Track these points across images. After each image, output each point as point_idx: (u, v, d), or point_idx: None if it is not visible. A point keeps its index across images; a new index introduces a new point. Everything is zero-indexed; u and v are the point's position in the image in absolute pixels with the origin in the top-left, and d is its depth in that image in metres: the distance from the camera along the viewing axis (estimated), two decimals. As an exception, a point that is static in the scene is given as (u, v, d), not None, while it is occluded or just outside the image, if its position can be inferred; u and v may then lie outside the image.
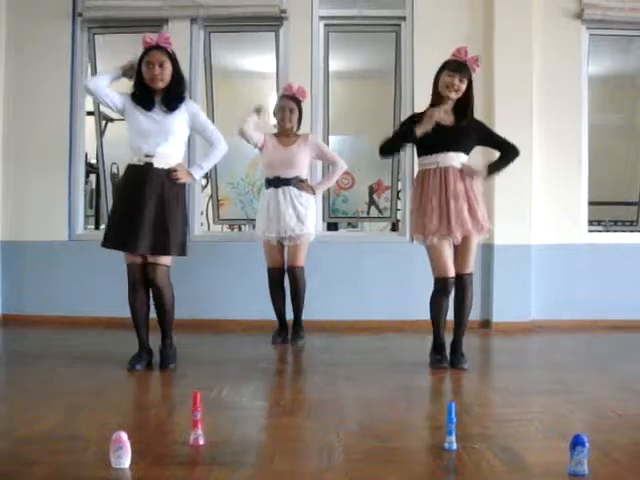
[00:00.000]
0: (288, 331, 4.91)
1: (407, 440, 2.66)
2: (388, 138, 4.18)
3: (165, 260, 3.96)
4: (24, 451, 2.44)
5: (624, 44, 6.42)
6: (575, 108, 5.95)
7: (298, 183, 4.89)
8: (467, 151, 4.19)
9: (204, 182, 6.50)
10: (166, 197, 3.93)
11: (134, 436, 2.36)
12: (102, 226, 6.69)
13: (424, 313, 5.63)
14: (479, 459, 2.36)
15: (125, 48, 6.69)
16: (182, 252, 3.98)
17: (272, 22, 5.99)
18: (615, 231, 6.91)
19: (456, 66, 4.11)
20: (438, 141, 4.07)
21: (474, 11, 5.89)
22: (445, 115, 4.11)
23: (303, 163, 4.98)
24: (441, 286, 4.06)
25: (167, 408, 3.19)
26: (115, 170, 6.88)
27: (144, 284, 4.01)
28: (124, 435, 2.27)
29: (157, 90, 3.99)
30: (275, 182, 4.92)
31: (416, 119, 4.16)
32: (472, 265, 4.14)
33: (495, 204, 5.72)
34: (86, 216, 6.44)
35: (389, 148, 4.21)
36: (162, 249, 3.91)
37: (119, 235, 3.93)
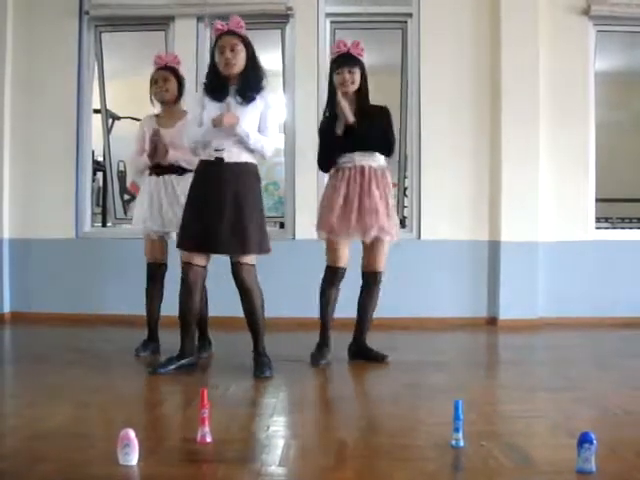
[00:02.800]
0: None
1: (414, 437, 2.66)
2: (319, 153, 4.20)
3: (250, 259, 3.79)
4: (32, 448, 2.45)
5: (631, 40, 6.39)
6: (582, 105, 5.92)
7: None
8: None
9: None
10: (242, 193, 3.72)
11: (142, 433, 2.37)
12: (109, 224, 6.70)
13: (431, 310, 5.66)
14: (486, 456, 2.36)
15: (132, 46, 6.74)
16: (262, 249, 3.80)
17: (278, 19, 5.99)
18: (622, 228, 6.90)
19: (342, 61, 4.08)
20: (352, 140, 4.05)
21: (480, 7, 5.87)
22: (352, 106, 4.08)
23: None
24: (331, 275, 4.15)
25: (174, 405, 3.20)
26: (122, 168, 6.90)
27: (202, 289, 3.92)
28: (132, 432, 2.28)
29: (231, 78, 3.77)
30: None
31: (331, 118, 4.15)
32: (383, 264, 4.17)
33: (502, 201, 5.71)
34: (93, 214, 6.45)
35: (325, 161, 4.20)
36: (242, 248, 3.72)
37: (197, 236, 3.71)
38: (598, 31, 5.99)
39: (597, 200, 6.05)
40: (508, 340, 5.25)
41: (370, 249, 4.16)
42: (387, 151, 4.13)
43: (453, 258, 5.83)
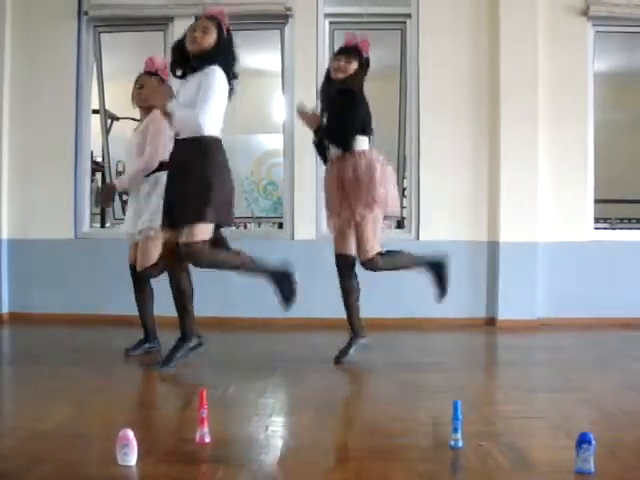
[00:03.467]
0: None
1: (413, 438, 2.66)
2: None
3: (192, 235, 3.77)
4: (30, 449, 2.45)
5: (630, 41, 6.39)
6: (581, 105, 5.93)
7: None
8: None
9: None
10: (185, 168, 3.84)
11: (140, 433, 2.36)
12: (108, 224, 6.70)
13: (429, 311, 5.66)
14: (485, 457, 2.36)
15: (131, 46, 6.73)
16: (199, 219, 3.78)
17: (277, 20, 5.99)
18: (621, 229, 6.91)
19: (343, 49, 4.25)
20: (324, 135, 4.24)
21: (479, 8, 5.87)
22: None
23: None
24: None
25: (173, 406, 3.20)
26: (121, 168, 6.90)
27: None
28: (130, 433, 2.28)
29: (193, 56, 3.86)
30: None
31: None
32: (369, 248, 4.09)
33: (501, 202, 5.72)
34: (92, 214, 6.45)
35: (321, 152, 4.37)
36: (181, 219, 3.80)
37: (232, 211, 3.86)
38: (597, 32, 5.99)
39: (596, 201, 6.06)
40: (507, 341, 5.25)
41: (356, 236, 4.14)
42: (341, 145, 4.14)
43: (452, 259, 5.81)
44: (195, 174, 3.74)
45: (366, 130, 4.17)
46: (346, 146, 4.11)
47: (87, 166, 6.19)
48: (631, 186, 7.50)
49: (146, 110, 4.43)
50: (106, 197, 4.58)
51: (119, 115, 6.95)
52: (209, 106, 3.73)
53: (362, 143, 4.15)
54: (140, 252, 4.34)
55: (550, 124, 5.82)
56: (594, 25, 5.95)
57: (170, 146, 4.08)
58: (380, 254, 4.07)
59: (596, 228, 6.11)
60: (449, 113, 5.88)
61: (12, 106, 6.02)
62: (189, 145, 3.80)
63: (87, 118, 6.16)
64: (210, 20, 3.91)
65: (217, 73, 3.77)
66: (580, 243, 5.88)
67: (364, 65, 4.22)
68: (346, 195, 4.07)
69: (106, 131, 6.30)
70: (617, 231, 6.56)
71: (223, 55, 3.88)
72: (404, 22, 6.03)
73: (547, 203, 5.85)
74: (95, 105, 6.24)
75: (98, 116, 6.27)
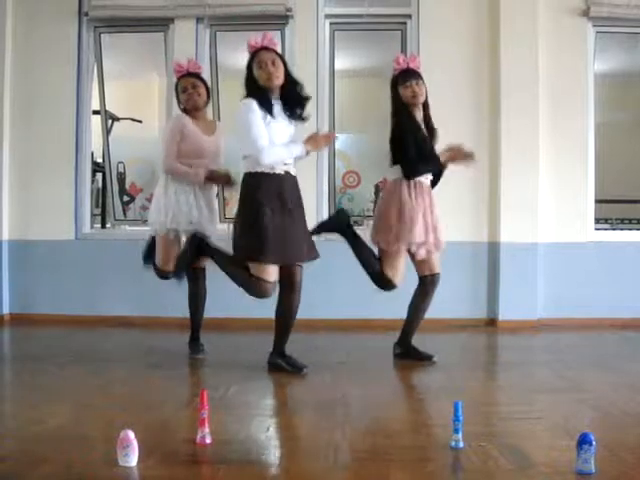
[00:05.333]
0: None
1: (414, 438, 2.66)
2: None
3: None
4: (31, 450, 2.45)
5: (631, 41, 6.39)
6: (582, 106, 5.93)
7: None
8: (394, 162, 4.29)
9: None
10: (301, 202, 4.01)
11: (141, 434, 2.36)
12: (108, 225, 6.71)
13: (430, 311, 5.65)
14: (485, 457, 2.36)
15: (131, 47, 6.74)
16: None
17: (278, 21, 5.99)
18: (622, 229, 6.90)
19: (406, 75, 4.23)
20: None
21: (480, 9, 5.87)
22: None
23: None
24: None
25: (174, 407, 3.20)
26: (121, 169, 6.90)
27: None
28: (131, 434, 2.28)
29: (273, 91, 3.84)
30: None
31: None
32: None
33: (502, 202, 5.72)
34: (93, 215, 6.45)
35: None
36: (314, 253, 3.95)
37: (284, 247, 3.79)
38: (597, 32, 5.99)
39: (596, 201, 6.06)
40: (507, 341, 5.25)
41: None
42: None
43: (453, 259, 5.82)
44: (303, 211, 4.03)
45: None
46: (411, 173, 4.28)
47: (88, 167, 6.19)
48: (632, 186, 7.48)
49: (199, 110, 4.41)
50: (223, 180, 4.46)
51: (119, 116, 6.95)
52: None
53: None
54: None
55: (551, 124, 5.81)
56: (595, 26, 5.95)
57: None
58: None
59: (597, 228, 6.11)
60: (449, 113, 5.85)
61: (13, 106, 6.03)
62: (295, 180, 4.04)
63: (88, 119, 6.16)
64: (270, 52, 3.83)
65: (241, 108, 3.77)
66: (581, 243, 5.88)
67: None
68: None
69: (107, 132, 6.29)
70: (618, 231, 6.55)
71: (295, 86, 3.91)
72: (404, 23, 6.03)
73: (547, 203, 5.85)
74: (96, 106, 6.24)
75: (99, 117, 6.27)
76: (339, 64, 6.16)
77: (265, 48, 3.83)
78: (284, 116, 3.85)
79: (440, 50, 5.87)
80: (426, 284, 4.32)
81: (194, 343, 4.46)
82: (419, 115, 4.26)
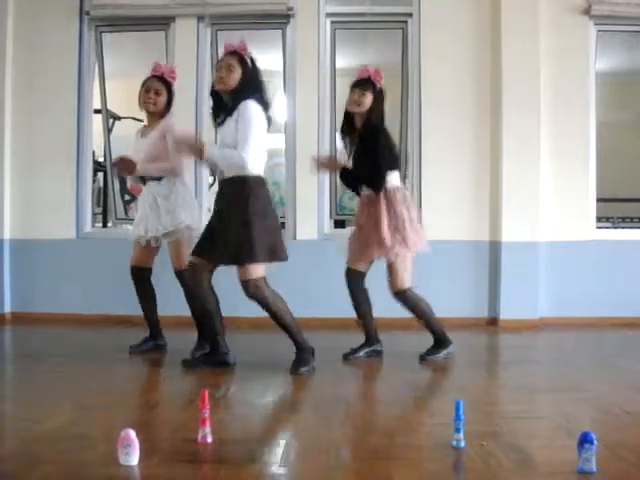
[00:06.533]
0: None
1: (415, 437, 2.66)
2: None
3: (246, 273, 3.87)
4: (32, 449, 2.45)
5: (632, 40, 6.38)
6: (583, 104, 5.92)
7: None
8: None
9: (211, 180, 6.51)
10: (226, 208, 3.95)
11: (142, 434, 2.36)
12: (109, 224, 6.71)
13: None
14: (487, 457, 2.36)
15: (132, 46, 6.74)
16: (239, 261, 3.88)
17: (279, 20, 5.99)
18: (623, 228, 6.90)
19: (357, 82, 4.24)
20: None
21: (480, 7, 5.87)
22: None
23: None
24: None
25: (175, 406, 3.20)
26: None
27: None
28: (132, 433, 2.28)
29: (224, 95, 3.93)
30: None
31: None
32: (399, 282, 4.25)
33: (503, 201, 5.71)
34: (94, 214, 6.45)
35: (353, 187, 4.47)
36: (220, 259, 3.91)
37: (282, 246, 3.92)
38: (599, 31, 5.98)
39: (598, 200, 6.05)
40: (509, 340, 5.24)
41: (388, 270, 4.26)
42: (373, 188, 4.18)
43: (454, 258, 5.83)
44: (238, 216, 3.79)
45: (394, 165, 4.24)
46: (379, 188, 4.15)
47: (89, 166, 6.20)
48: (633, 185, 7.49)
49: (156, 116, 4.45)
50: (124, 167, 4.43)
51: (121, 115, 6.95)
52: (249, 144, 3.77)
53: (393, 179, 4.21)
54: (172, 253, 4.40)
55: (552, 123, 5.81)
56: (596, 24, 5.94)
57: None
58: (410, 289, 4.24)
59: (598, 227, 6.10)
60: (451, 112, 5.87)
61: (14, 106, 6.03)
62: (233, 185, 3.86)
63: (89, 118, 6.16)
64: (232, 56, 3.90)
65: (250, 107, 3.79)
66: (582, 242, 5.87)
67: (379, 96, 4.23)
68: (379, 233, 4.11)
69: (108, 131, 6.29)
70: (619, 230, 6.55)
71: (252, 87, 3.89)
72: (405, 21, 6.02)
73: (549, 202, 5.84)
74: (97, 105, 6.24)
75: (100, 116, 6.26)
76: (340, 63, 6.15)
77: (231, 52, 3.92)
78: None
79: (441, 48, 5.87)
80: None
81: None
82: (358, 122, 4.26)
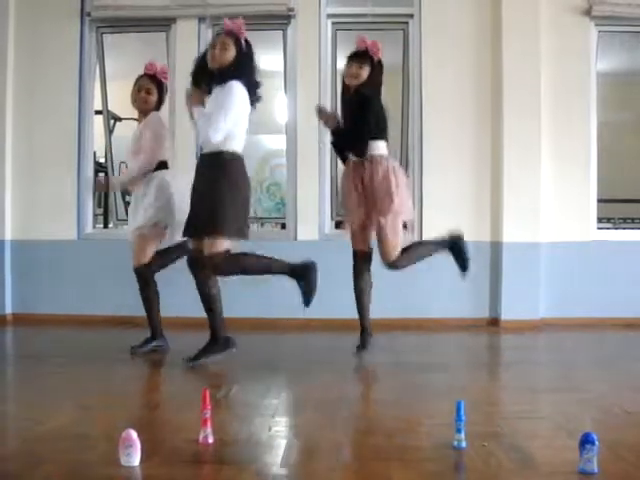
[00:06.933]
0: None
1: (416, 438, 2.66)
2: None
3: (208, 246, 3.95)
4: (34, 450, 2.45)
5: (633, 41, 6.38)
6: (584, 105, 5.92)
7: None
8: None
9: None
10: (200, 181, 4.03)
11: (143, 434, 2.36)
12: (110, 225, 6.71)
13: (432, 311, 5.66)
14: (488, 457, 2.36)
15: (133, 47, 6.74)
16: (206, 233, 3.98)
17: (280, 20, 6.00)
18: (624, 228, 6.89)
19: (355, 55, 4.32)
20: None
21: (481, 8, 5.87)
22: None
23: None
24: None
25: (176, 406, 3.20)
26: (123, 169, 6.91)
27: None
28: (134, 433, 2.28)
29: (214, 71, 3.97)
30: None
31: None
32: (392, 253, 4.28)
33: (504, 201, 5.71)
34: (95, 215, 6.46)
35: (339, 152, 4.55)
36: (188, 232, 4.04)
37: (247, 225, 4.02)
38: (600, 31, 5.99)
39: (599, 200, 6.05)
40: (510, 341, 5.24)
41: (378, 240, 4.28)
42: (355, 151, 4.26)
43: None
44: (210, 190, 3.86)
45: (380, 135, 4.25)
46: (360, 152, 4.21)
47: (90, 167, 6.20)
48: (634, 186, 7.48)
49: (146, 114, 4.47)
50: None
51: (122, 116, 6.95)
52: (221, 121, 3.82)
53: (377, 147, 4.23)
54: (135, 248, 4.45)
55: (553, 124, 5.81)
56: (597, 25, 5.95)
57: (168, 146, 4.41)
58: (400, 253, 4.25)
59: (599, 228, 6.10)
60: (452, 113, 5.87)
61: (15, 107, 6.03)
62: (207, 160, 3.96)
63: (90, 119, 6.17)
64: (228, 36, 3.99)
65: (234, 88, 3.87)
66: (583, 243, 5.87)
67: (377, 68, 4.27)
68: (363, 199, 4.19)
69: (109, 132, 6.30)
70: (620, 231, 6.55)
71: (242, 69, 3.96)
72: (406, 22, 6.03)
73: (550, 203, 5.84)
74: (98, 106, 6.24)
75: (101, 117, 6.27)
76: (341, 64, 6.14)
77: (228, 32, 4.02)
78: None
79: (442, 49, 5.87)
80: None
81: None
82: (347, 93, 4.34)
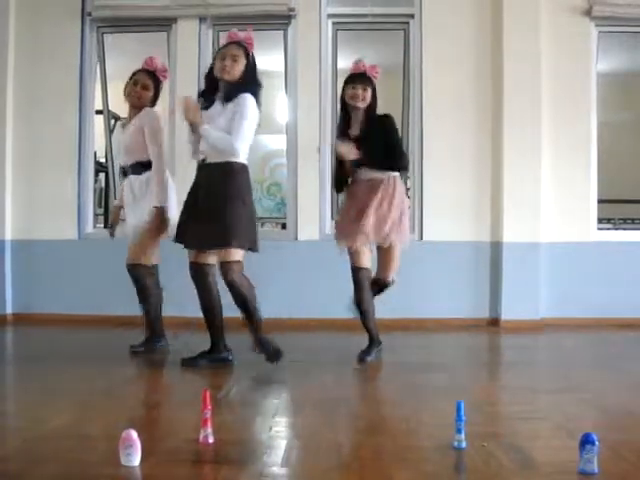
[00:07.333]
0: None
1: (416, 438, 2.66)
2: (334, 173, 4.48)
3: (228, 255, 3.93)
4: (34, 449, 2.46)
5: (631, 41, 6.39)
6: (584, 105, 5.92)
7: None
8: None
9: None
10: (213, 192, 3.98)
11: (144, 434, 2.36)
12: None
13: (432, 311, 5.67)
14: (488, 457, 2.36)
15: (134, 47, 6.74)
16: (223, 245, 3.94)
17: (280, 20, 6.00)
18: (625, 229, 6.89)
19: (356, 77, 4.28)
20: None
21: (482, 9, 5.87)
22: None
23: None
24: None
25: (176, 406, 3.20)
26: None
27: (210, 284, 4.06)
28: (134, 433, 2.28)
29: (224, 83, 3.96)
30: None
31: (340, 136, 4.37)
32: (390, 273, 4.40)
33: (504, 201, 5.71)
34: (95, 215, 6.46)
35: (338, 183, 4.44)
36: (200, 245, 3.97)
37: (257, 237, 3.98)
38: (600, 32, 5.99)
39: (599, 201, 6.05)
40: (510, 341, 5.25)
41: (379, 257, 4.33)
42: (395, 168, 4.27)
43: (455, 259, 5.83)
44: (223, 199, 3.84)
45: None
46: (407, 166, 4.42)
47: (90, 167, 6.21)
48: (634, 186, 7.49)
49: (138, 109, 4.44)
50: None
51: (123, 116, 6.95)
52: (242, 134, 3.85)
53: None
54: (130, 247, 4.41)
55: (553, 124, 5.81)
56: (597, 25, 5.95)
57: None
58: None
59: (599, 228, 6.11)
60: (452, 113, 5.88)
61: (16, 107, 6.04)
62: (218, 169, 3.90)
63: (90, 119, 6.17)
64: (239, 47, 3.96)
65: (249, 101, 3.88)
66: (583, 243, 5.88)
67: (375, 91, 4.31)
68: (377, 216, 4.17)
69: (109, 132, 6.30)
70: (620, 231, 6.55)
71: (252, 81, 3.98)
72: (407, 22, 6.03)
73: (550, 203, 5.84)
74: (98, 106, 6.25)
75: (101, 117, 6.28)
76: (342, 64, 6.16)
77: (237, 43, 3.97)
78: (220, 103, 3.97)
79: (443, 49, 5.88)
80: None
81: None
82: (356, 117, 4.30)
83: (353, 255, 4.24)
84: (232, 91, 3.90)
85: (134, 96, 4.42)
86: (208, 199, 3.88)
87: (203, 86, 4.19)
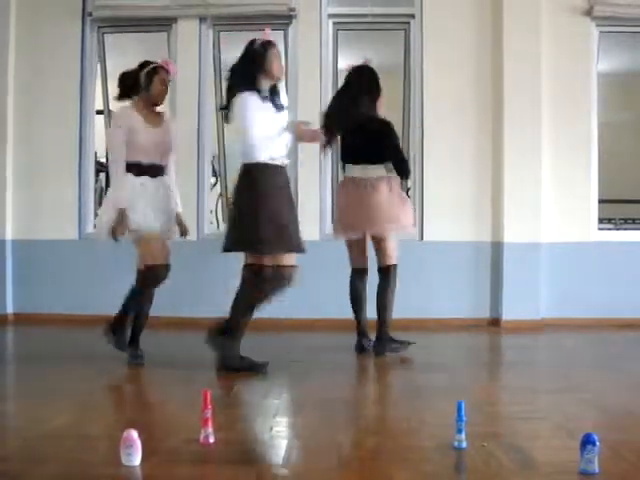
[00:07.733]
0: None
1: (417, 438, 2.66)
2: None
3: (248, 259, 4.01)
4: (34, 449, 2.46)
5: (630, 41, 6.38)
6: (585, 105, 5.92)
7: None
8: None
9: (213, 180, 6.52)
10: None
11: (144, 434, 2.36)
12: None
13: (433, 311, 5.66)
14: (488, 457, 2.36)
15: (134, 47, 6.74)
16: (239, 249, 4.02)
17: (281, 20, 6.00)
18: (625, 229, 6.89)
19: None
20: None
21: (483, 9, 5.87)
22: None
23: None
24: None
25: (177, 406, 3.20)
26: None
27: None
28: (135, 433, 2.28)
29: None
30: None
31: None
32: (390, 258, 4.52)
33: (505, 202, 5.71)
34: (96, 215, 6.45)
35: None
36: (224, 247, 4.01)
37: (293, 237, 3.98)
38: (601, 32, 5.98)
39: (600, 201, 6.05)
40: (510, 341, 5.25)
41: (374, 246, 4.48)
42: (403, 172, 4.46)
43: (456, 259, 5.83)
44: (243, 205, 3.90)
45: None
46: (408, 174, 4.54)
47: (91, 167, 6.21)
48: (635, 186, 7.49)
49: (157, 106, 4.34)
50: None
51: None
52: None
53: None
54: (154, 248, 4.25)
55: (554, 124, 5.81)
56: (598, 25, 5.95)
57: None
58: (395, 266, 4.48)
59: (600, 228, 6.10)
60: (452, 114, 5.87)
61: (16, 107, 6.03)
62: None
63: (91, 119, 6.17)
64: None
65: (238, 100, 3.83)
66: (584, 243, 5.87)
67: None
68: (373, 211, 4.34)
69: (110, 132, 6.29)
70: (621, 231, 6.55)
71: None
72: (408, 22, 6.03)
73: (551, 203, 5.84)
74: (99, 106, 6.25)
75: (102, 116, 6.28)
76: (342, 64, 6.16)
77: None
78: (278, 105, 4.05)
79: (443, 49, 5.87)
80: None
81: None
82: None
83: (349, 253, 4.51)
84: (278, 88, 4.06)
85: (163, 97, 4.30)
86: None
87: (249, 82, 3.93)
